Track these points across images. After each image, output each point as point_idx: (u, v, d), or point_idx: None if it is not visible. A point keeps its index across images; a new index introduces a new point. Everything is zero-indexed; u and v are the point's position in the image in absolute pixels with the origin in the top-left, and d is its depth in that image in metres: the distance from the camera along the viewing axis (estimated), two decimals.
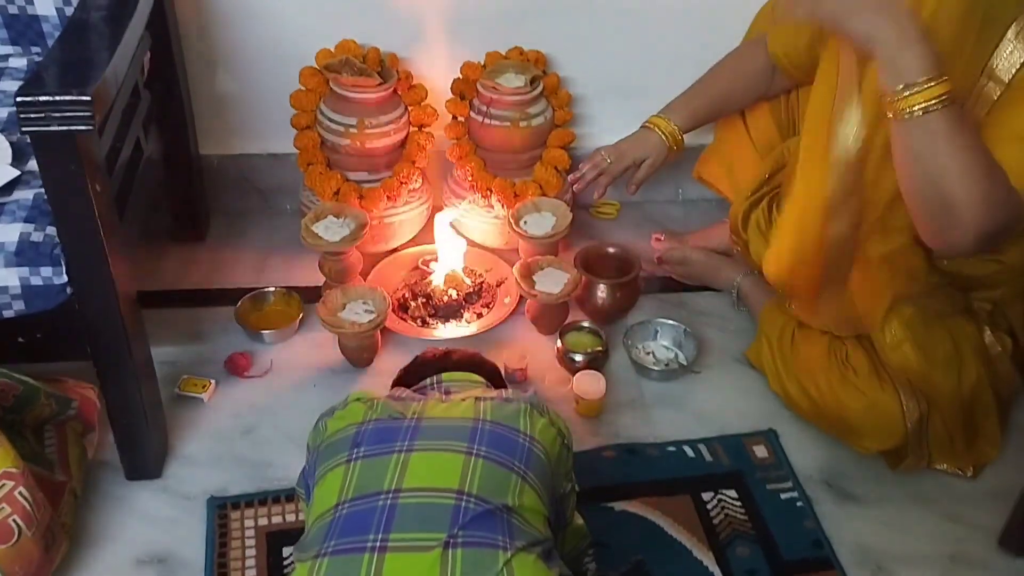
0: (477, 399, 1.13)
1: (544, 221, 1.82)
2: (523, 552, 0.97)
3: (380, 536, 0.97)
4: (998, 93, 1.26)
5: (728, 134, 1.81)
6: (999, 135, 1.22)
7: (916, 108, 1.14)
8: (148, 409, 1.42)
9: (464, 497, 1.00)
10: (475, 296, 1.83)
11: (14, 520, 1.21)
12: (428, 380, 1.26)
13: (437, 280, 1.83)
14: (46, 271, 1.24)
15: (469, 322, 1.78)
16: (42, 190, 1.24)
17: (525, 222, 1.82)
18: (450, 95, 1.90)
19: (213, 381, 1.63)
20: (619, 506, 1.46)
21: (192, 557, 1.37)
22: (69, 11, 1.56)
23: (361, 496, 1.02)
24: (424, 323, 1.77)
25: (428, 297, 1.80)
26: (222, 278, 1.89)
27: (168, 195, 1.90)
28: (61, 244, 1.24)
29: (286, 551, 1.37)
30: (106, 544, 1.38)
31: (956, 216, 1.17)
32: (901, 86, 1.14)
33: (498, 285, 1.87)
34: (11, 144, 1.36)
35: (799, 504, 1.49)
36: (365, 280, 1.81)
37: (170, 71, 1.76)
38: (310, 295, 1.79)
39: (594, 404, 1.61)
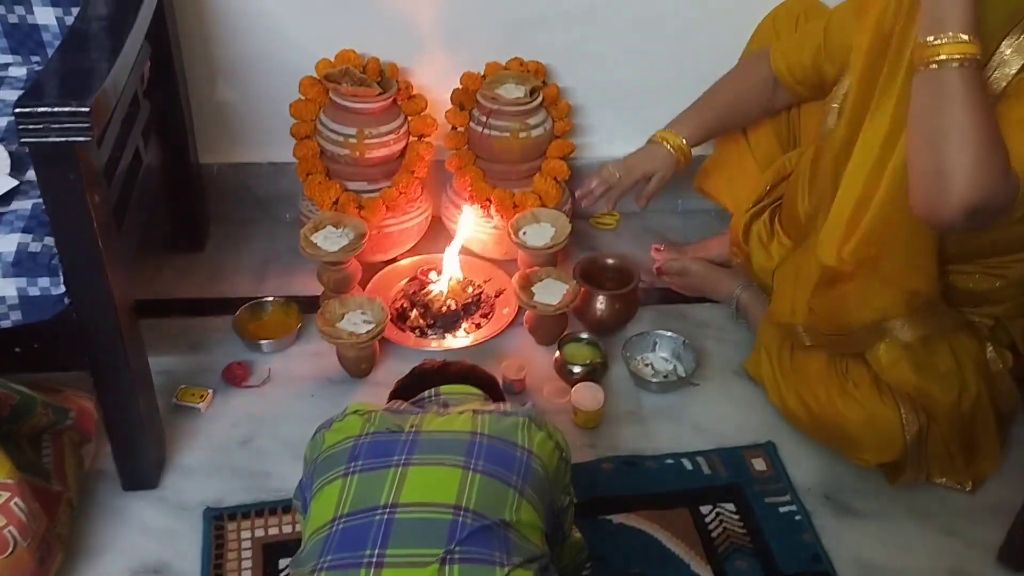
0: (475, 412, 1.12)
1: (543, 232, 1.82)
2: (520, 568, 0.97)
3: (377, 551, 0.97)
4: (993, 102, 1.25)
5: (729, 146, 1.81)
6: (999, 125, 1.21)
7: (941, 57, 1.16)
8: (145, 419, 1.42)
9: (461, 512, 0.99)
10: (474, 307, 1.83)
11: (9, 531, 1.21)
12: (426, 393, 1.26)
13: (440, 287, 1.83)
14: (44, 282, 1.24)
15: (468, 332, 1.78)
16: (40, 200, 1.24)
17: (524, 233, 1.82)
18: (450, 105, 1.90)
19: (211, 391, 1.62)
20: (617, 519, 1.45)
21: (188, 568, 1.36)
22: (69, 20, 1.56)
23: (358, 511, 1.01)
24: (422, 333, 1.77)
25: (427, 307, 1.80)
26: (220, 287, 1.89)
27: (167, 204, 1.90)
28: (59, 255, 1.24)
29: (283, 563, 1.36)
30: (102, 555, 1.38)
31: (947, 179, 1.17)
32: (933, 36, 1.17)
33: (497, 296, 1.87)
34: (10, 154, 1.36)
35: (797, 517, 1.48)
36: (364, 290, 1.81)
37: (170, 80, 1.76)
38: (308, 305, 1.78)
39: (592, 416, 1.60)
